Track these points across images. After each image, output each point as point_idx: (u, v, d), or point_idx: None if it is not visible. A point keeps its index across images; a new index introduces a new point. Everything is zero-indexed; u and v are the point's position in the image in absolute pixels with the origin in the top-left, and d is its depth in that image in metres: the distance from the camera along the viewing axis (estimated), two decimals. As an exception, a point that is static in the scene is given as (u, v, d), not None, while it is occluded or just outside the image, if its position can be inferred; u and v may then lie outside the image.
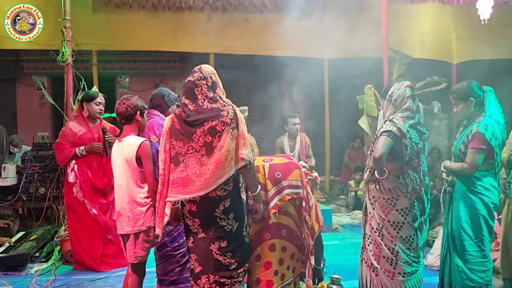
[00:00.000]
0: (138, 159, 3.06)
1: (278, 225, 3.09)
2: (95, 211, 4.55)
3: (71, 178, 4.60)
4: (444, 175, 3.44)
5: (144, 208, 3.07)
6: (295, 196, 3.12)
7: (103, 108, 4.70)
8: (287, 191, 3.10)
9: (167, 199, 2.82)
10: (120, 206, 3.13)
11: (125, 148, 3.11)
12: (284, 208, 3.10)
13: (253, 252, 3.04)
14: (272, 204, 3.05)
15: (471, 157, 3.22)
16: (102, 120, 4.82)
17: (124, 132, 3.19)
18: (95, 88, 4.93)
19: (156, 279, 3.55)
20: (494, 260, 4.32)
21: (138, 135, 3.19)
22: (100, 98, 4.67)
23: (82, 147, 4.55)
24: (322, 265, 3.60)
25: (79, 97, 5.48)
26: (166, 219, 2.83)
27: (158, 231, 2.89)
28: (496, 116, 3.32)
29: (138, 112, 3.14)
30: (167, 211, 2.83)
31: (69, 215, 4.69)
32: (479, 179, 3.27)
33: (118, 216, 3.15)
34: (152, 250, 3.50)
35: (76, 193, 4.58)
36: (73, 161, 4.59)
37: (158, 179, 3.06)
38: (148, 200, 3.08)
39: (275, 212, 3.04)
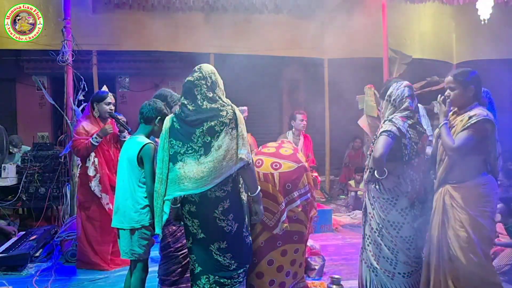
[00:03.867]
0: (140, 160, 3.12)
1: (290, 232, 3.14)
2: (111, 206, 4.52)
3: (90, 171, 4.54)
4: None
5: (140, 207, 3.12)
6: (305, 203, 3.15)
7: (113, 108, 4.70)
8: (298, 202, 3.12)
9: (165, 198, 2.82)
10: (119, 201, 3.20)
11: (130, 147, 3.20)
12: (295, 217, 3.12)
13: (265, 257, 3.09)
14: (284, 217, 3.05)
15: None
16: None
17: (138, 130, 3.29)
18: (105, 88, 4.92)
19: (158, 279, 3.56)
20: (493, 259, 4.33)
21: (148, 137, 3.25)
22: (110, 98, 4.67)
23: (94, 135, 4.48)
24: None
25: (81, 96, 5.50)
26: (165, 217, 2.83)
27: (158, 230, 2.89)
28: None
29: (159, 117, 3.21)
30: (166, 209, 2.83)
31: (80, 213, 4.66)
32: None
33: (116, 210, 3.21)
34: (157, 250, 3.54)
35: (95, 187, 4.54)
36: (93, 154, 4.56)
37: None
38: (146, 200, 3.13)
39: (287, 226, 3.06)
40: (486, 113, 2.95)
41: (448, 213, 2.98)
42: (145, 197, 3.13)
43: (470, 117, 2.93)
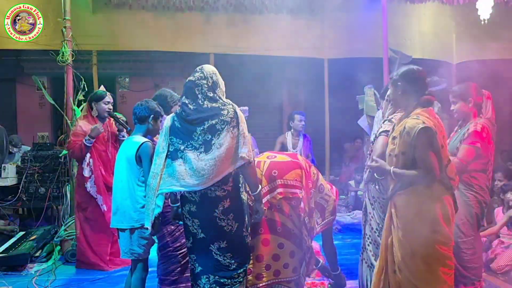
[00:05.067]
0: (138, 158, 3.15)
1: (272, 221, 3.10)
2: (105, 208, 4.54)
3: (86, 172, 4.58)
4: None
5: (139, 206, 3.15)
6: (290, 196, 3.12)
7: (111, 107, 4.71)
8: (280, 189, 3.11)
9: (161, 191, 2.81)
10: (118, 201, 3.21)
11: (128, 146, 3.23)
12: (278, 206, 3.11)
13: None
14: (263, 200, 3.06)
15: (462, 152, 3.29)
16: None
17: (134, 130, 3.34)
18: (102, 88, 4.92)
19: (157, 279, 3.56)
20: (493, 259, 4.35)
21: (145, 136, 3.28)
22: (108, 97, 4.69)
23: (86, 137, 4.52)
24: (339, 270, 3.65)
25: (80, 97, 5.49)
26: (158, 210, 2.82)
27: (148, 223, 2.88)
28: (491, 118, 3.42)
29: (152, 115, 3.26)
30: (159, 202, 2.84)
31: (78, 213, 4.68)
32: (475, 178, 3.35)
33: (115, 210, 3.22)
34: (156, 249, 3.54)
35: (90, 188, 4.56)
36: (88, 155, 4.58)
37: None
38: (145, 199, 3.13)
39: (265, 209, 3.05)
40: (422, 120, 2.64)
41: (393, 220, 2.78)
42: (145, 196, 3.14)
43: (404, 128, 2.67)
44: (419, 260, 2.66)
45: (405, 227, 2.69)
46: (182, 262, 3.46)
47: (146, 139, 3.22)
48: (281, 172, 3.16)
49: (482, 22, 5.89)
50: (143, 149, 3.15)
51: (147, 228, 3.15)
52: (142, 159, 3.14)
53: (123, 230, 3.20)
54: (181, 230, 3.41)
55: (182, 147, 2.80)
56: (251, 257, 3.04)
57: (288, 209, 3.13)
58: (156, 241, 3.53)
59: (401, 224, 2.71)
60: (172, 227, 3.46)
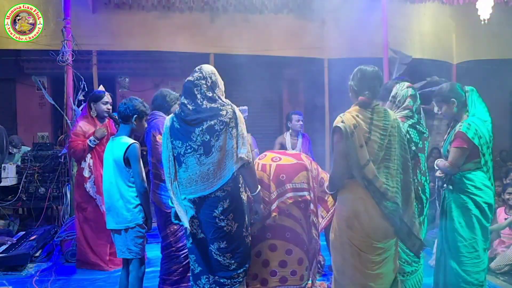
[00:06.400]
0: (126, 160, 3.13)
1: (281, 226, 3.08)
2: (104, 208, 4.53)
3: (85, 172, 4.57)
4: (438, 173, 3.45)
5: (132, 206, 3.15)
6: (299, 199, 3.11)
7: (110, 107, 4.71)
8: (290, 194, 3.10)
9: (183, 196, 2.82)
10: (110, 202, 3.22)
11: (114, 148, 3.19)
12: (288, 211, 3.09)
13: (254, 248, 3.05)
14: (273, 206, 3.05)
15: (451, 156, 3.24)
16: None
17: (119, 131, 3.30)
18: (101, 87, 4.92)
19: (159, 278, 3.56)
20: (493, 259, 4.34)
21: (131, 136, 3.25)
22: (107, 98, 4.69)
23: (91, 137, 4.53)
24: None
25: (81, 96, 5.50)
26: (191, 212, 2.81)
27: (187, 224, 2.85)
28: (481, 114, 3.31)
29: (136, 115, 3.19)
30: (189, 203, 2.81)
31: (77, 214, 4.68)
32: (470, 179, 3.23)
33: (108, 211, 3.24)
34: (157, 250, 3.55)
35: (90, 188, 4.56)
36: (89, 156, 4.58)
37: (145, 180, 3.14)
38: (137, 199, 3.16)
39: (275, 215, 3.04)
40: (342, 118, 2.79)
41: None
42: (136, 196, 3.16)
43: None
44: (342, 255, 2.76)
45: (334, 223, 2.83)
46: (184, 263, 3.45)
47: (133, 141, 3.19)
48: (289, 176, 3.13)
49: (482, 22, 5.89)
50: (131, 151, 3.12)
51: (143, 227, 3.18)
52: (131, 161, 3.13)
53: (118, 230, 3.20)
54: (183, 230, 3.41)
55: (182, 151, 2.80)
56: (258, 262, 3.04)
57: (298, 213, 3.12)
58: (159, 240, 3.54)
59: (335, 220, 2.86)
60: (175, 227, 3.45)
